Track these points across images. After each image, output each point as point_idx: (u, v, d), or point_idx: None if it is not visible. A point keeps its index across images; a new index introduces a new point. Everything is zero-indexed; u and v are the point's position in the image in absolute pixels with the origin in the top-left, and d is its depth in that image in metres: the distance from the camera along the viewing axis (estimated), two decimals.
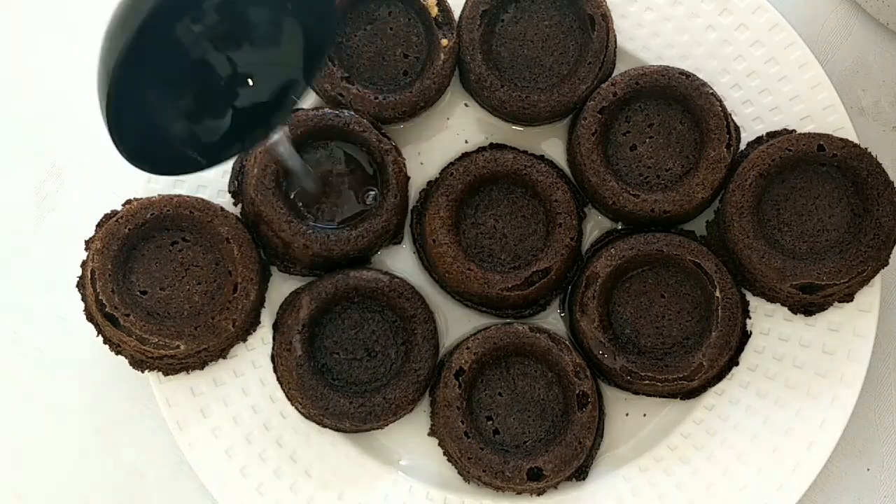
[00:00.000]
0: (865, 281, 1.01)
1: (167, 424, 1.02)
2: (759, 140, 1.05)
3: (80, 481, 1.07)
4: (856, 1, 1.14)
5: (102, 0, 1.13)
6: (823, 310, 1.03)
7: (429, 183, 1.06)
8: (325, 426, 1.01)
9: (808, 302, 1.02)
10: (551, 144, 1.08)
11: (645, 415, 1.05)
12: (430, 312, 1.02)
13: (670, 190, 1.02)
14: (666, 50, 1.07)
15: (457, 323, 1.06)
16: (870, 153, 1.00)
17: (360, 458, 1.03)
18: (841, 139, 1.01)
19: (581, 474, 1.02)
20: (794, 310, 1.03)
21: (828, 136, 1.01)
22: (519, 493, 1.01)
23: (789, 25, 1.06)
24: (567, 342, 1.01)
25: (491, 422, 1.01)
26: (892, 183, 1.00)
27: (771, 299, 1.04)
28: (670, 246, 1.01)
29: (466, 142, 1.08)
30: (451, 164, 1.05)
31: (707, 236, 1.06)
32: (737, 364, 1.04)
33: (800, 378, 1.03)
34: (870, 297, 1.03)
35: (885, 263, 1.01)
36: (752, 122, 1.06)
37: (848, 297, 1.02)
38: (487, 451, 0.98)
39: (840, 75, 1.13)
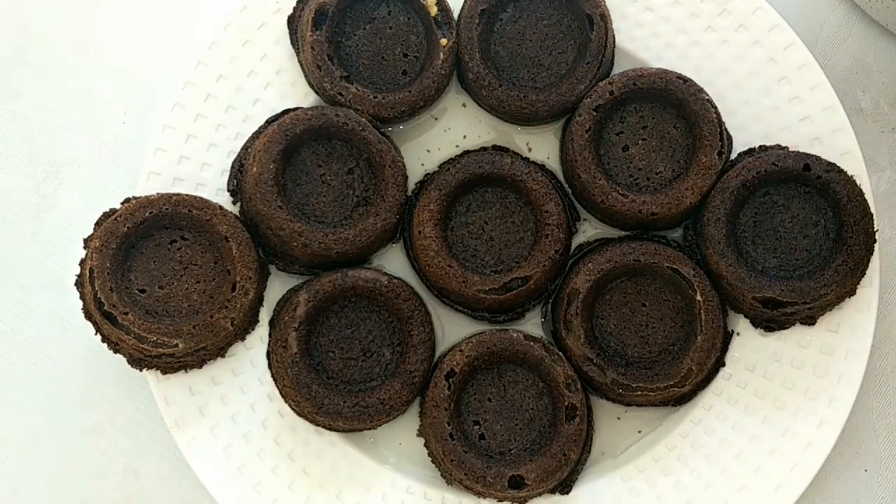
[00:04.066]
0: (829, 306, 1.01)
1: (165, 423, 1.02)
2: (750, 151, 1.05)
3: (77, 479, 1.07)
4: (855, 2, 1.14)
5: (97, 1, 1.15)
6: (784, 328, 1.03)
7: (426, 175, 1.06)
8: (318, 424, 1.01)
9: (768, 317, 1.02)
10: (545, 140, 1.08)
11: (640, 431, 1.05)
12: (427, 315, 1.02)
13: (659, 193, 1.02)
14: (665, 50, 1.07)
15: (454, 326, 1.06)
16: (854, 180, 1.01)
17: (358, 457, 1.03)
18: (829, 162, 1.01)
19: (565, 488, 1.01)
20: (756, 323, 1.03)
21: (816, 157, 1.01)
22: (500, 500, 1.01)
23: (789, 26, 1.06)
24: (560, 354, 1.01)
25: (478, 426, 1.01)
26: (871, 213, 1.00)
27: (736, 309, 1.04)
28: (647, 255, 1.01)
29: (465, 139, 1.08)
30: (451, 160, 1.05)
31: (683, 239, 1.06)
32: (723, 365, 1.04)
33: (798, 378, 1.03)
34: (868, 296, 1.03)
35: (852, 293, 1.01)
36: (752, 122, 1.06)
37: (810, 320, 1.02)
38: (471, 454, 0.98)
39: (839, 76, 1.13)
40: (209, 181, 1.05)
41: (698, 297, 1.00)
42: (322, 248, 1.00)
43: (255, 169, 1.00)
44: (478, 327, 1.05)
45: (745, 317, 1.04)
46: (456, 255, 1.02)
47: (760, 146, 1.05)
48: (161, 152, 1.04)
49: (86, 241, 0.99)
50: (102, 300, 0.96)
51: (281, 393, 1.01)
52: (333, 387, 1.00)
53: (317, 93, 1.06)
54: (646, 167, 1.04)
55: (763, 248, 1.02)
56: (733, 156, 1.06)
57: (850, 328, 1.03)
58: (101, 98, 1.13)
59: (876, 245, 1.01)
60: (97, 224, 1.00)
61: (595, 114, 1.02)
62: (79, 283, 1.00)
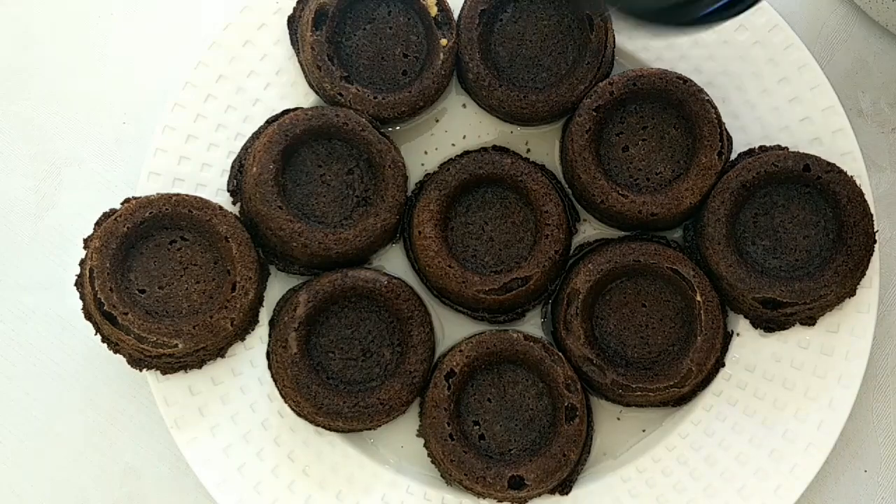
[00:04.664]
0: (829, 306, 1.01)
1: (165, 423, 1.02)
2: (750, 152, 1.05)
3: (77, 480, 1.07)
4: (855, 3, 1.14)
5: (97, 2, 1.15)
6: (784, 328, 1.03)
7: (426, 175, 1.06)
8: (318, 425, 1.01)
9: (768, 317, 1.02)
10: (545, 140, 1.08)
11: (641, 432, 1.05)
12: (427, 315, 1.02)
13: (659, 193, 1.02)
14: (666, 51, 1.07)
15: (454, 326, 1.06)
16: (853, 180, 1.01)
17: (358, 457, 1.03)
18: (829, 163, 1.01)
19: (565, 489, 1.01)
20: (756, 324, 1.03)
21: (816, 157, 1.01)
22: (500, 500, 1.01)
23: (789, 27, 1.06)
24: (560, 354, 1.01)
25: (477, 427, 1.01)
26: (871, 214, 1.00)
27: (736, 309, 1.04)
28: (647, 255, 1.01)
29: (464, 139, 1.08)
30: (451, 160, 1.05)
31: (683, 240, 1.06)
32: (723, 365, 1.04)
33: (798, 379, 1.03)
34: (868, 297, 1.03)
35: (852, 293, 1.01)
36: (752, 122, 1.06)
37: (810, 320, 1.02)
38: (471, 455, 0.98)
39: (839, 77, 1.13)
40: (209, 181, 1.05)
41: (698, 298, 1.00)
42: (322, 249, 1.00)
43: (255, 169, 1.00)
44: (478, 327, 1.05)
45: (745, 317, 1.04)
46: (456, 256, 1.03)
47: (760, 147, 1.05)
48: (161, 152, 1.04)
49: (86, 241, 0.99)
50: (102, 300, 0.96)
51: (281, 393, 1.01)
52: (333, 387, 1.00)
53: (317, 93, 1.06)
54: (646, 167, 1.04)
55: (763, 249, 1.02)
56: (733, 156, 1.06)
57: (850, 329, 1.03)
58: (101, 98, 1.13)
59: (876, 245, 1.01)
60: (97, 224, 1.00)
61: (595, 114, 1.02)
62: (79, 283, 1.00)
